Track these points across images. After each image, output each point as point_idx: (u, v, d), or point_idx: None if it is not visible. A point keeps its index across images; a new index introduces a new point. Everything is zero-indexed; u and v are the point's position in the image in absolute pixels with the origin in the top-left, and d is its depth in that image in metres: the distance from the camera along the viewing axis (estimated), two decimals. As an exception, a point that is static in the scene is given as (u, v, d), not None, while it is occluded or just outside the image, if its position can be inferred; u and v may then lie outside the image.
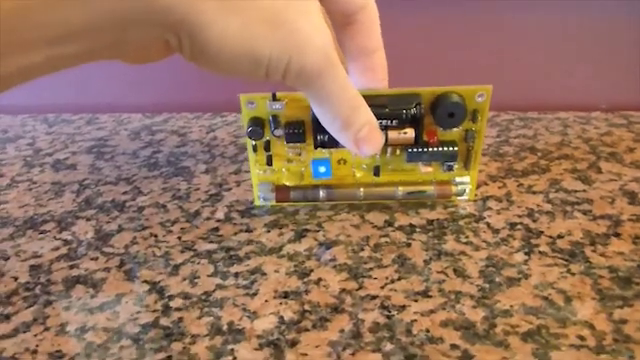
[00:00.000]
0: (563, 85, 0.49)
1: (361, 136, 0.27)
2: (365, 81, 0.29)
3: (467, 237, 0.30)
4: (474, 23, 0.48)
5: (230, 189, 0.37)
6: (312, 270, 0.28)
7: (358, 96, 0.26)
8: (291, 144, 0.32)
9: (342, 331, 0.24)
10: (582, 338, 0.23)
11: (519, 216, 0.32)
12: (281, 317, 0.25)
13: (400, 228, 0.31)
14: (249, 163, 0.33)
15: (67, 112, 0.54)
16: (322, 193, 0.33)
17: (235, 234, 0.32)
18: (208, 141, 0.45)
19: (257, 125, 0.31)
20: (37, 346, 0.24)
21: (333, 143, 0.30)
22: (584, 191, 0.34)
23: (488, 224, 0.31)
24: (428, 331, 0.24)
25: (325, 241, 0.30)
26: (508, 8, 0.47)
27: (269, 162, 0.33)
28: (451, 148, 0.32)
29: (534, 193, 0.34)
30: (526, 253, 0.29)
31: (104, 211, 0.35)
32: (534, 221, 0.31)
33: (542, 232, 0.30)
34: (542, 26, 0.47)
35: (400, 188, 0.33)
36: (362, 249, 0.30)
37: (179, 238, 0.32)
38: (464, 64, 0.49)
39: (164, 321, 0.25)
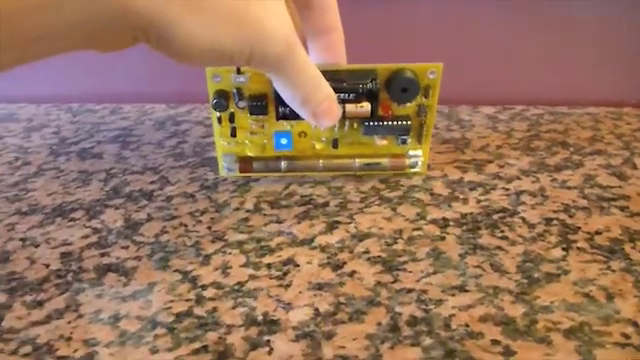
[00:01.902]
0: (591, 80, 0.48)
1: (320, 110, 0.28)
2: (324, 58, 0.31)
3: (502, 232, 0.30)
4: (513, 17, 0.47)
5: (258, 180, 0.36)
6: (345, 262, 0.28)
7: (317, 75, 0.27)
8: (254, 116, 0.34)
9: (379, 324, 0.24)
10: (626, 336, 0.22)
11: (554, 211, 0.31)
12: (316, 309, 0.25)
13: (433, 221, 0.31)
14: (214, 135, 0.35)
15: (89, 102, 0.54)
16: (283, 164, 0.35)
17: (265, 225, 0.31)
18: (234, 132, 0.44)
19: (222, 97, 0.33)
20: (71, 333, 0.24)
21: (294, 115, 0.31)
22: (620, 187, 0.34)
23: (523, 219, 0.31)
24: (467, 326, 0.23)
25: (357, 233, 0.30)
26: (543, 4, 0.46)
27: (233, 134, 0.35)
28: (405, 122, 0.33)
29: (569, 188, 0.34)
30: (564, 249, 0.28)
31: (132, 200, 0.35)
32: (570, 217, 0.31)
33: (579, 228, 0.30)
34: (572, 22, 0.46)
35: (357, 160, 0.35)
36: (395, 242, 0.29)
37: (209, 228, 0.31)
38: (501, 59, 0.48)
39: (198, 310, 0.25)
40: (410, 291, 0.26)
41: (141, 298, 0.26)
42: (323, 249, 0.29)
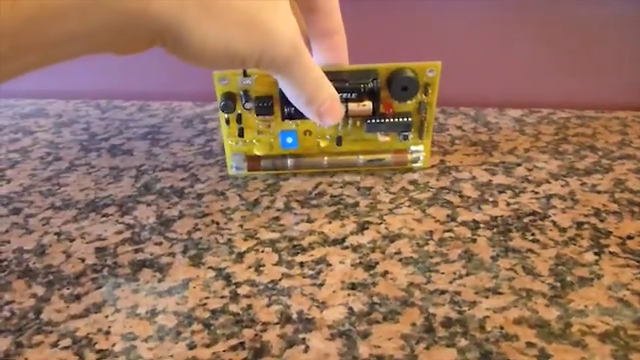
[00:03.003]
0: (617, 84, 0.48)
1: (323, 109, 0.29)
2: (327, 59, 0.33)
3: (533, 235, 0.30)
4: (536, 20, 0.47)
5: (287, 179, 0.37)
6: (377, 262, 0.28)
7: (321, 75, 0.29)
8: (261, 117, 0.35)
9: (414, 325, 0.24)
10: (662, 341, 0.22)
11: (585, 215, 0.31)
12: (350, 308, 0.25)
13: (464, 223, 0.31)
14: (222, 135, 0.36)
15: (116, 98, 0.54)
16: (290, 162, 0.36)
17: (296, 224, 0.32)
18: (261, 131, 0.45)
19: (229, 99, 0.34)
20: (109, 327, 0.25)
21: (299, 115, 0.31)
22: (651, 192, 0.34)
23: (554, 222, 0.31)
24: (502, 328, 0.23)
25: (388, 234, 0.30)
26: (570, 6, 0.46)
27: (241, 134, 0.36)
28: (406, 119, 0.35)
29: (599, 193, 0.34)
30: (596, 253, 0.28)
31: (164, 197, 0.35)
32: (601, 221, 0.31)
33: (611, 232, 0.30)
34: (597, 25, 0.46)
35: (361, 157, 0.36)
36: (427, 243, 0.29)
37: (241, 226, 0.32)
38: (529, 64, 0.48)
39: (233, 307, 0.25)
40: (443, 292, 0.26)
41: (177, 294, 0.26)
42: (355, 249, 0.29)
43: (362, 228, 0.31)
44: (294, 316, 0.25)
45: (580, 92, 0.49)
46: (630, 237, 0.29)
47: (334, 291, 0.26)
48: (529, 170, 0.37)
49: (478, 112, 0.47)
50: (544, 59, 0.48)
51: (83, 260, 0.29)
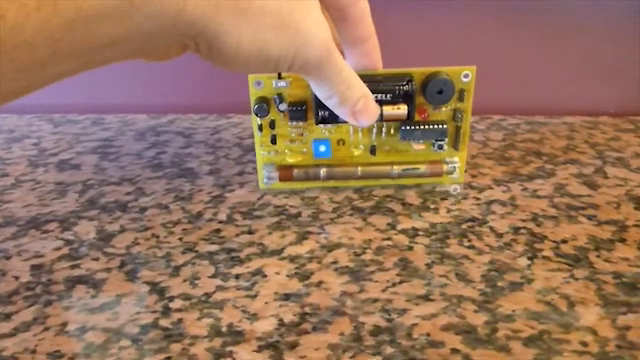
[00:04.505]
0: (570, 89, 0.49)
1: (357, 109, 0.29)
2: (361, 66, 0.32)
3: (470, 241, 0.30)
4: (481, 24, 0.48)
5: (233, 190, 0.37)
6: (313, 273, 0.28)
7: (352, 75, 0.28)
8: (294, 122, 0.34)
9: (342, 334, 0.24)
10: (585, 344, 0.23)
11: (523, 220, 0.32)
12: (281, 319, 0.25)
13: (403, 231, 0.31)
14: (255, 144, 0.35)
15: (73, 112, 0.54)
16: (323, 172, 0.35)
17: (237, 235, 0.32)
18: (213, 142, 0.45)
19: (263, 102, 0.33)
20: (36, 346, 0.24)
21: (333, 118, 0.32)
22: (589, 196, 0.34)
23: (492, 228, 0.31)
24: (429, 335, 0.24)
25: (327, 244, 0.30)
26: (516, 10, 0.46)
27: (273, 141, 0.35)
28: (441, 126, 0.34)
29: (539, 197, 0.34)
30: (529, 258, 0.28)
31: (107, 211, 0.35)
32: (538, 226, 0.31)
33: (546, 237, 0.30)
34: (550, 30, 0.47)
35: (395, 167, 0.35)
36: (364, 252, 0.29)
37: (180, 239, 0.31)
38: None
39: (164, 322, 0.25)
40: (375, 301, 0.26)
41: (108, 310, 0.26)
42: (292, 260, 0.29)
43: (302, 238, 0.31)
44: (224, 329, 0.25)
45: (532, 97, 0.49)
46: (564, 241, 0.30)
47: (266, 302, 0.26)
48: (473, 177, 0.37)
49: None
50: (499, 65, 0.49)
51: (17, 278, 0.29)
